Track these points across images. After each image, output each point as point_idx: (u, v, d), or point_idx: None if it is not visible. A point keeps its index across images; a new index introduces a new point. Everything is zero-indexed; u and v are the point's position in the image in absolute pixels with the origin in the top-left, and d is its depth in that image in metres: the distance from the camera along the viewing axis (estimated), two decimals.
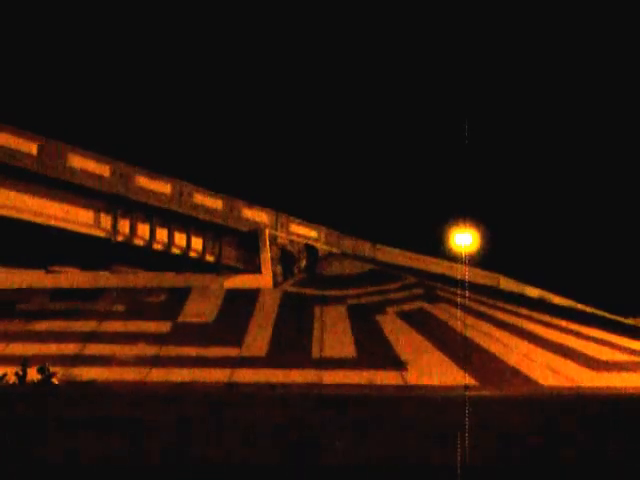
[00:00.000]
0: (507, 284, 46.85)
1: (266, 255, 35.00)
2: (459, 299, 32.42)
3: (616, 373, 26.46)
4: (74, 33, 67.05)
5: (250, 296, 31.79)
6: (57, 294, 31.03)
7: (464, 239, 46.33)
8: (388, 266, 39.84)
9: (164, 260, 32.65)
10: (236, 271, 34.78)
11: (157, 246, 31.64)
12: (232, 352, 26.04)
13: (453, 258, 46.12)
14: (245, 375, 24.19)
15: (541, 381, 25.09)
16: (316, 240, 39.89)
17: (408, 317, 29.93)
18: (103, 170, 28.97)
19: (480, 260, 45.83)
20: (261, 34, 78.44)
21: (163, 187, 31.60)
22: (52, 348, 25.48)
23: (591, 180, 70.26)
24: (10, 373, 22.42)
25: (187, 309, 30.10)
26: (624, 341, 29.75)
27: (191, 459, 9.21)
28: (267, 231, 36.00)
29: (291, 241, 37.77)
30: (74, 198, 28.15)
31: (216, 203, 34.22)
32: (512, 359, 26.62)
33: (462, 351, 26.02)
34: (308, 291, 33.23)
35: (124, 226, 30.15)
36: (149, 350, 25.95)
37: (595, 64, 75.77)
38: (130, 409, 15.64)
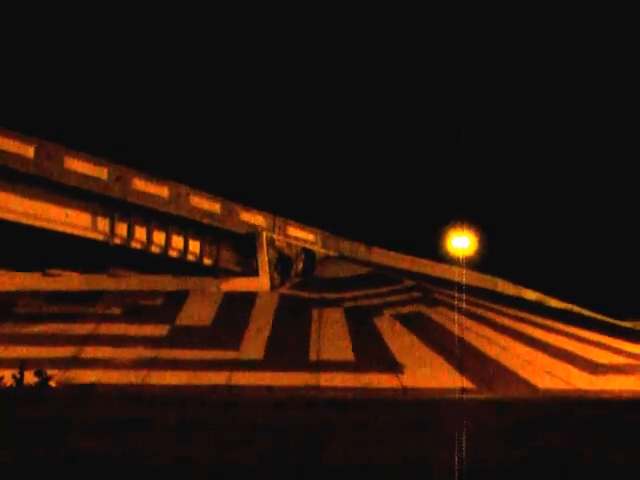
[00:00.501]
0: (505, 287, 46.84)
1: (263, 258, 34.99)
2: (456, 302, 32.41)
3: (614, 376, 26.47)
4: (71, 36, 67.00)
5: (248, 299, 31.77)
6: (54, 297, 30.97)
7: (461, 242, 46.33)
8: (385, 269, 39.84)
9: (161, 263, 32.63)
10: (234, 274, 34.77)
11: (154, 249, 31.63)
12: (230, 355, 26.03)
13: (450, 261, 46.15)
14: (242, 378, 24.17)
15: (538, 384, 25.10)
16: (313, 243, 39.88)
17: (405, 320, 29.92)
18: (100, 173, 28.95)
19: (477, 263, 45.85)
20: (258, 37, 78.47)
21: (160, 190, 31.58)
22: (49, 351, 25.43)
23: (589, 183, 70.31)
24: (7, 376, 22.36)
25: (185, 312, 30.07)
26: (622, 344, 29.77)
27: (189, 461, 9.20)
28: (264, 234, 35.99)
29: (288, 244, 37.77)
30: (71, 201, 28.14)
31: (214, 206, 34.20)
32: (509, 362, 26.62)
33: (459, 354, 26.03)
34: (305, 294, 33.22)
35: (121, 229, 30.13)
36: (146, 353, 25.91)
37: (594, 65, 75.83)
38: (127, 412, 15.62)
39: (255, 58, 78.30)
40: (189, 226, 32.94)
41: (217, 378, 24.04)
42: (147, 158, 39.73)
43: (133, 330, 27.84)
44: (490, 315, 31.54)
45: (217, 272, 34.33)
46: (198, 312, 30.07)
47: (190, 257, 33.39)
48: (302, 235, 39.48)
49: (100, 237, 29.38)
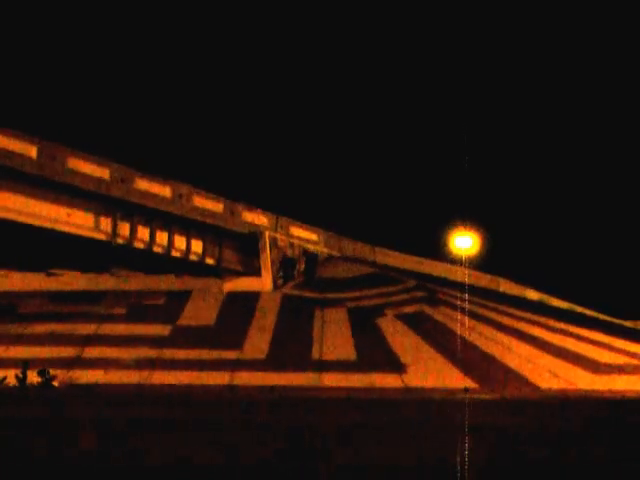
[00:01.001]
0: (507, 287, 46.82)
1: (266, 258, 34.99)
2: (459, 302, 32.41)
3: (616, 376, 26.46)
4: (74, 36, 67.06)
5: (250, 299, 31.79)
6: (57, 297, 31.03)
7: (464, 242, 46.35)
8: (388, 269, 39.83)
9: (164, 263, 32.64)
10: (236, 274, 34.77)
11: (157, 249, 31.63)
12: (232, 355, 26.05)
13: (453, 261, 46.14)
14: (245, 378, 24.20)
15: (541, 384, 25.10)
16: (316, 243, 39.88)
17: (408, 320, 29.92)
18: (103, 173, 28.98)
19: (480, 263, 45.84)
20: (259, 37, 78.51)
21: (163, 190, 31.59)
22: (52, 351, 25.49)
23: (591, 183, 70.27)
24: (10, 376, 22.43)
25: (187, 312, 30.10)
26: (624, 344, 29.74)
27: (191, 461, 9.22)
28: (267, 234, 35.99)
29: (291, 244, 37.77)
30: (74, 201, 28.16)
31: (216, 206, 34.20)
32: (512, 362, 26.62)
33: (462, 354, 26.04)
34: (308, 294, 33.23)
35: (124, 229, 30.14)
36: (149, 353, 25.96)
37: (594, 65, 75.77)
38: (130, 411, 15.64)
39: (260, 59, 78.29)
40: (192, 226, 32.94)
41: (220, 378, 24.07)
42: (150, 158, 39.81)
43: (136, 330, 27.87)
44: (492, 315, 31.52)
45: (220, 272, 34.33)
46: (201, 312, 30.10)
47: (193, 257, 33.39)
48: (305, 235, 39.48)
49: (103, 237, 29.39)
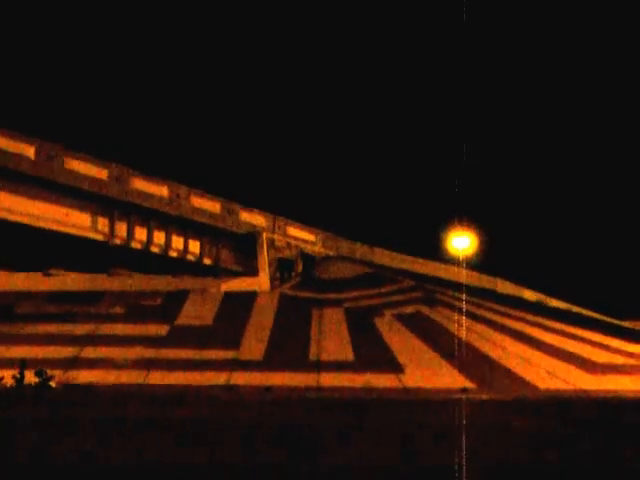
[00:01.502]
0: (505, 287, 46.92)
1: (263, 258, 35.03)
2: (457, 302, 32.43)
3: (614, 376, 26.46)
4: (71, 36, 67.00)
5: (247, 299, 31.78)
6: (54, 297, 30.98)
7: (461, 242, 46.44)
8: (386, 269, 39.84)
9: (161, 263, 32.65)
10: (234, 274, 34.79)
11: (154, 249, 31.67)
12: (229, 355, 26.03)
13: (451, 261, 46.23)
14: (242, 378, 24.17)
15: (539, 384, 25.09)
16: (313, 243, 39.93)
17: (406, 320, 29.92)
18: (100, 173, 28.99)
19: (478, 263, 45.93)
20: (258, 37, 78.47)
21: (160, 190, 31.61)
22: (49, 351, 25.44)
23: (589, 183, 70.35)
24: (7, 376, 22.37)
25: (184, 312, 30.08)
26: (622, 344, 29.75)
27: (189, 461, 9.21)
28: (264, 234, 36.02)
29: (289, 244, 37.79)
30: (71, 201, 28.18)
31: (214, 206, 34.24)
32: (510, 362, 26.61)
33: (460, 354, 26.04)
34: (305, 294, 33.22)
35: (121, 229, 30.17)
36: (147, 353, 25.92)
37: (594, 65, 75.85)
38: (127, 412, 15.63)
39: (257, 59, 78.28)
40: (189, 226, 32.97)
41: (217, 378, 24.04)
42: (147, 158, 39.82)
43: (133, 330, 27.84)
44: (490, 315, 31.52)
45: (217, 272, 34.36)
46: (198, 312, 30.08)
47: (190, 257, 33.43)
48: (302, 235, 39.53)
49: (100, 237, 29.43)
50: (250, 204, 36.01)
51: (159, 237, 31.61)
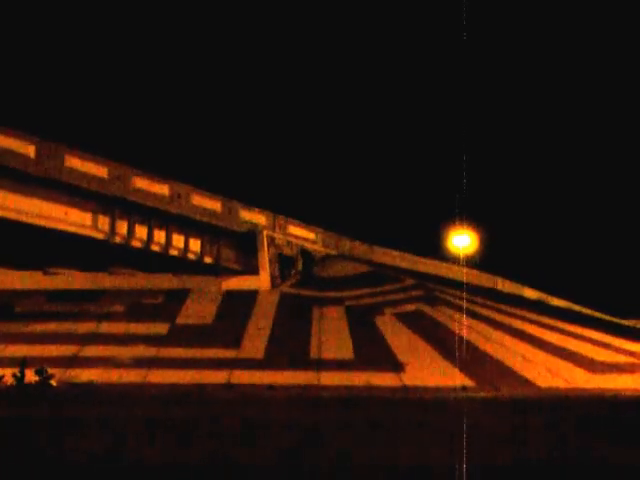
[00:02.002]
0: (505, 286, 46.90)
1: (264, 257, 34.99)
2: (457, 301, 32.43)
3: (614, 375, 26.46)
4: (72, 34, 66.99)
5: (248, 297, 31.79)
6: (55, 296, 31.00)
7: (462, 241, 46.45)
8: (386, 268, 39.84)
9: (162, 262, 32.63)
10: (234, 273, 34.77)
11: (155, 248, 31.61)
12: (230, 353, 26.04)
13: (451, 260, 46.24)
14: (243, 376, 24.17)
15: (538, 382, 25.10)
16: (314, 242, 39.89)
17: (406, 318, 29.93)
18: (101, 171, 28.93)
19: (478, 262, 45.94)
20: (258, 36, 78.43)
21: (161, 189, 31.56)
22: (50, 350, 25.45)
23: (589, 182, 70.33)
24: (7, 375, 22.38)
25: (185, 311, 30.09)
26: (622, 343, 29.76)
27: (190, 460, 9.21)
28: (265, 233, 35.99)
29: (289, 243, 37.78)
30: (72, 199, 28.10)
31: (214, 205, 34.19)
32: (510, 360, 26.62)
33: (460, 352, 26.03)
34: (306, 292, 33.23)
35: (122, 228, 30.10)
36: (147, 352, 25.93)
37: (594, 64, 75.80)
38: (128, 411, 15.63)
39: (257, 59, 78.27)
40: (190, 225, 32.92)
41: (217, 377, 24.04)
42: (148, 157, 39.82)
43: (134, 329, 27.85)
44: (490, 313, 31.53)
45: (218, 271, 34.32)
46: (199, 310, 30.09)
47: (190, 256, 33.37)
48: (303, 234, 39.49)
49: (100, 236, 29.36)
50: (251, 203, 36.00)
51: (160, 235, 31.56)
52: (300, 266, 37.60)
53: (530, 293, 46.29)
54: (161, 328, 28.08)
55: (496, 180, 67.41)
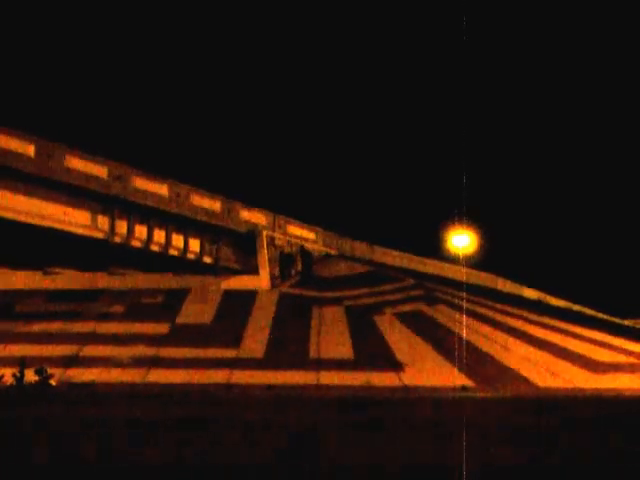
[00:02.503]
0: (505, 286, 46.88)
1: (264, 256, 34.98)
2: (457, 300, 32.42)
3: (614, 375, 26.46)
4: (72, 34, 66.98)
5: (248, 297, 31.78)
6: (54, 295, 31.00)
7: (462, 241, 46.43)
8: (386, 267, 39.83)
9: (162, 261, 32.61)
10: (234, 272, 34.76)
11: (155, 247, 31.58)
12: (230, 353, 26.04)
13: (451, 260, 46.23)
14: (243, 376, 24.18)
15: (538, 382, 25.10)
16: (314, 242, 39.86)
17: (406, 318, 29.92)
18: (100, 171, 28.91)
19: (478, 261, 45.93)
20: (258, 36, 78.42)
21: (160, 188, 31.54)
22: (50, 350, 25.46)
23: (589, 182, 70.31)
24: (7, 374, 22.39)
25: (185, 310, 30.08)
26: (622, 343, 29.75)
27: (189, 460, 9.20)
28: (265, 232, 35.97)
29: (289, 242, 37.75)
30: (71, 199, 28.09)
31: (214, 204, 34.16)
32: (509, 360, 26.62)
33: (460, 352, 26.02)
34: (305, 292, 33.21)
35: (121, 227, 30.08)
36: (147, 351, 25.93)
37: (594, 64, 75.79)
38: (128, 410, 15.62)
39: (256, 59, 78.24)
40: (189, 224, 32.90)
41: (217, 376, 24.05)
42: (147, 156, 39.79)
43: (133, 328, 27.85)
44: (490, 313, 31.53)
45: (217, 270, 34.31)
46: (198, 310, 30.08)
47: (190, 255, 33.35)
48: (303, 233, 39.46)
49: (100, 235, 29.34)
50: (250, 202, 35.99)
51: (159, 235, 31.55)
52: (300, 266, 37.56)
53: (530, 293, 46.28)
54: (161, 328, 28.08)
55: (496, 180, 67.43)
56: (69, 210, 28.06)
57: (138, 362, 25.15)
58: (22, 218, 26.42)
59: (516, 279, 48.12)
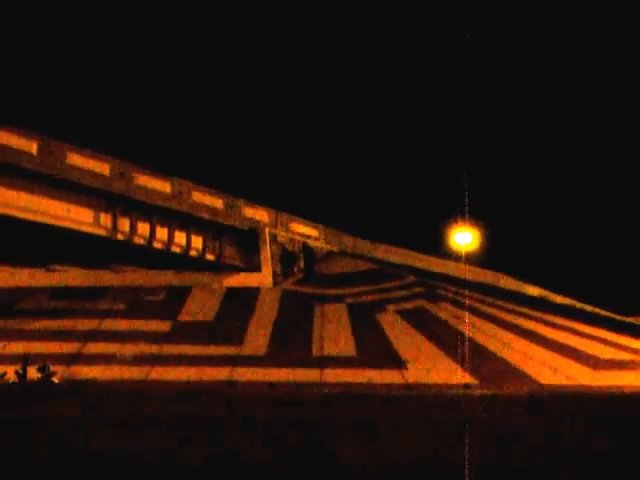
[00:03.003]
0: (507, 283, 46.81)
1: (266, 254, 35.00)
2: (459, 298, 32.42)
3: (616, 372, 26.43)
4: (74, 31, 66.95)
5: (250, 295, 31.79)
6: (57, 293, 31.02)
7: (464, 238, 46.42)
8: (388, 265, 39.82)
9: (164, 259, 32.64)
10: (236, 270, 34.78)
11: (157, 245, 31.62)
12: (232, 351, 26.04)
13: (453, 257, 46.20)
14: (245, 374, 24.18)
15: (541, 380, 25.08)
16: (316, 239, 39.87)
17: (408, 315, 29.92)
18: (103, 169, 28.94)
19: (480, 259, 45.90)
20: (260, 33, 78.38)
21: (163, 186, 31.56)
22: (52, 347, 25.47)
23: (591, 178, 70.19)
24: (10, 372, 22.40)
25: (187, 308, 30.09)
26: (624, 340, 29.74)
27: (191, 457, 9.20)
28: (267, 230, 35.98)
29: (291, 240, 37.76)
30: (74, 197, 28.12)
31: (216, 202, 34.18)
32: (512, 358, 26.60)
33: (462, 350, 26.01)
34: (308, 290, 33.22)
35: (124, 225, 30.12)
36: (149, 349, 25.93)
37: (594, 62, 75.67)
38: (130, 408, 15.64)
39: (258, 55, 78.20)
40: (192, 222, 32.92)
41: (220, 374, 24.06)
42: (150, 154, 39.80)
43: (136, 326, 27.87)
44: (493, 311, 31.52)
45: (220, 268, 34.33)
46: (201, 308, 30.09)
47: (193, 253, 33.38)
48: (305, 231, 39.48)
49: (103, 233, 29.36)
50: (253, 199, 36.02)
51: (162, 233, 31.60)
52: (302, 263, 37.57)
53: (532, 290, 46.21)
54: (163, 325, 28.09)
55: (498, 177, 67.37)
56: (72, 207, 28.08)
57: (140, 359, 25.16)
58: (24, 215, 26.45)
59: (518, 276, 48.06)
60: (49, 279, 32.35)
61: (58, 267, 33.10)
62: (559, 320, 31.49)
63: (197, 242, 33.67)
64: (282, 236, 37.04)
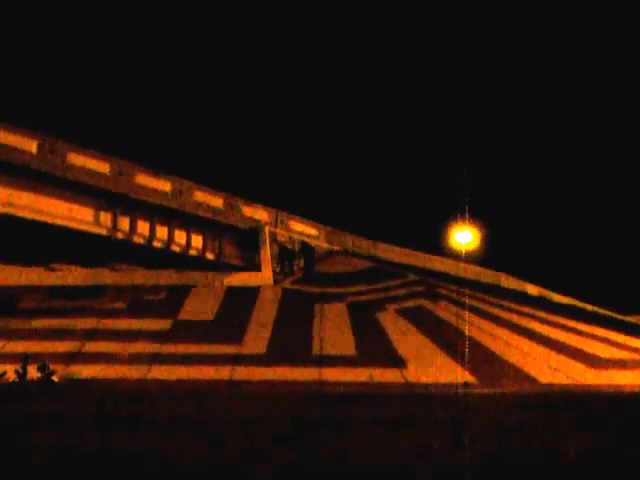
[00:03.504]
0: (508, 282, 46.80)
1: (266, 253, 35.00)
2: (459, 297, 32.41)
3: (616, 371, 26.44)
4: (74, 31, 66.97)
5: (250, 294, 31.79)
6: (57, 291, 31.01)
7: (464, 237, 46.41)
8: (388, 264, 39.81)
9: (164, 258, 32.65)
10: (236, 269, 34.78)
11: (157, 244, 31.64)
12: (232, 350, 26.03)
13: (454, 256, 46.18)
14: (245, 373, 24.17)
15: (541, 379, 25.08)
16: (316, 238, 39.86)
17: (408, 314, 29.90)
18: (103, 168, 28.95)
19: (481, 258, 45.89)
20: (260, 32, 78.39)
21: (163, 185, 31.57)
22: (52, 346, 25.46)
23: (592, 177, 70.16)
24: (10, 371, 22.40)
25: (187, 307, 30.08)
26: (624, 339, 29.74)
27: (190, 457, 9.19)
28: (267, 229, 35.98)
29: (291, 239, 37.76)
30: (74, 195, 28.14)
31: (216, 201, 34.19)
32: (512, 357, 26.60)
33: (462, 348, 26.01)
34: (308, 289, 33.21)
35: (124, 224, 30.13)
36: (149, 348, 25.92)
37: (595, 62, 75.64)
38: (130, 407, 15.63)
39: (258, 54, 78.19)
40: (192, 221, 32.94)
41: (219, 373, 24.05)
42: (150, 153, 39.79)
43: (136, 325, 27.86)
44: (493, 310, 31.51)
45: (220, 267, 34.34)
46: (201, 307, 30.08)
47: (193, 252, 33.40)
48: (305, 230, 39.48)
49: (103, 232, 29.39)
50: (253, 199, 36.05)
51: (162, 232, 31.62)
52: (302, 262, 37.57)
53: (533, 289, 46.20)
54: (163, 324, 28.08)
55: (498, 176, 67.39)
56: (71, 206, 28.10)
57: (140, 358, 25.16)
58: (24, 214, 26.47)
59: (519, 275, 48.04)
60: (49, 278, 32.35)
61: (58, 266, 33.09)
62: (559, 319, 31.49)
63: (197, 241, 33.68)
64: (282, 235, 37.05)
